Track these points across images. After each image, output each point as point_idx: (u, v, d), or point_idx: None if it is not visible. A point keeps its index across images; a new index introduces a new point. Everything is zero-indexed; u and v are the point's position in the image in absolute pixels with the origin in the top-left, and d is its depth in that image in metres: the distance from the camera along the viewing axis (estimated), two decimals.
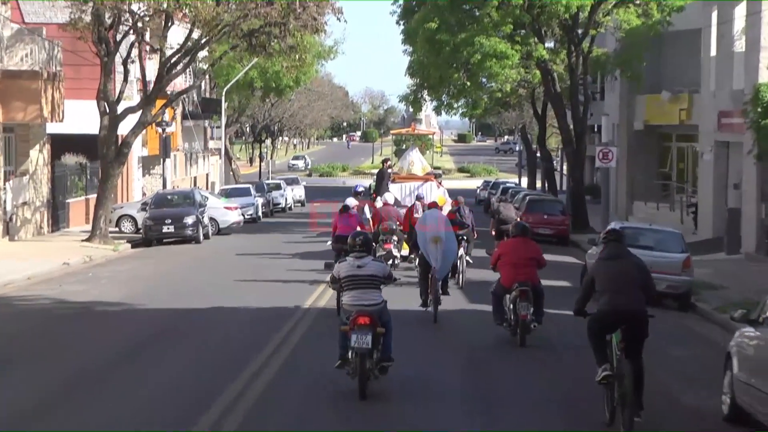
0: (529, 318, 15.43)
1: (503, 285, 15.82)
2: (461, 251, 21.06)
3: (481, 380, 13.49)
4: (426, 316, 17.85)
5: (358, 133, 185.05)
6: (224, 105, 54.96)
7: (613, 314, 10.88)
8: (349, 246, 12.38)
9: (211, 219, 36.67)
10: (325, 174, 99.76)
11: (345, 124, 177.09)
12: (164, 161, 41.70)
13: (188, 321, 17.85)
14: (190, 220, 33.32)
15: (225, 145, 59.97)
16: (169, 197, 35.73)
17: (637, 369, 10.64)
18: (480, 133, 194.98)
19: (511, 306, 15.61)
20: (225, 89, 54.34)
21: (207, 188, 59.02)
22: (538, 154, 60.54)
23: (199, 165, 60.19)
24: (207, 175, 62.60)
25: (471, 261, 23.09)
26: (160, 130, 41.95)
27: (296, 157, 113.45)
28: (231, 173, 63.25)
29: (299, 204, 59.86)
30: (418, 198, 24.50)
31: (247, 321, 17.65)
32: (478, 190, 65.97)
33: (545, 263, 15.90)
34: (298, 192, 60.22)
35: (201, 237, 33.78)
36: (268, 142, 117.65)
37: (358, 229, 18.69)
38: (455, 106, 44.30)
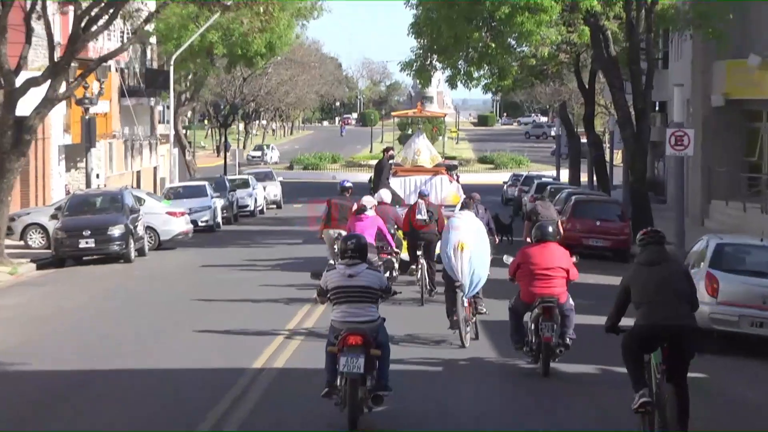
0: (554, 341, 15.77)
1: (523, 300, 16.17)
2: None
3: (494, 414, 14.03)
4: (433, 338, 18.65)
5: (354, 116, 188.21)
6: (173, 77, 53.88)
7: (653, 330, 11.36)
8: (340, 251, 12.98)
9: (149, 229, 35.62)
10: (311, 166, 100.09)
11: (338, 103, 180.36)
12: (88, 151, 39.13)
13: (89, 391, 15.28)
14: (116, 231, 31.90)
15: (176, 130, 58.97)
16: (90, 200, 34.27)
17: (682, 394, 11.09)
18: (505, 114, 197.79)
19: (533, 326, 15.97)
20: (174, 56, 52.47)
21: (156, 186, 57.76)
22: (583, 140, 59.56)
23: (143, 156, 59.28)
24: (155, 169, 61.97)
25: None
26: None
27: (258, 148, 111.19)
28: (186, 167, 62.37)
29: (274, 206, 59.35)
30: (422, 195, 24.38)
31: (178, 390, 15.36)
32: (505, 186, 66.28)
33: (576, 275, 16.22)
34: (272, 190, 59.49)
35: (132, 254, 32.48)
36: (241, 126, 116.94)
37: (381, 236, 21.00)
38: (475, 76, 42.13)
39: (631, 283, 11.57)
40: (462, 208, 19.74)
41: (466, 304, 17.87)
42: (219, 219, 45.40)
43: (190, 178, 57.75)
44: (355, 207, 22.09)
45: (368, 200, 21.83)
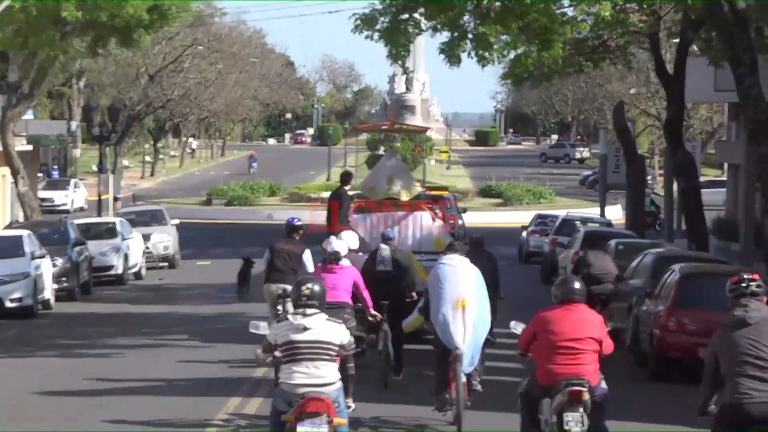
0: None
1: (540, 384, 16.27)
2: None
3: None
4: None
5: (311, 131, 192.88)
6: None
7: (738, 411, 12.28)
8: (293, 299, 14.47)
9: None
10: (239, 201, 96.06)
11: (288, 115, 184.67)
12: None
13: None
14: None
15: (5, 144, 52.58)
16: None
17: None
18: (511, 129, 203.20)
19: (554, 418, 16.04)
20: None
21: None
22: (652, 166, 52.00)
23: None
24: None
25: (494, 340, 25.52)
26: None
27: (51, 182, 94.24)
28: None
29: (165, 264, 54.30)
30: (385, 238, 25.86)
31: None
32: (525, 233, 60.48)
33: (611, 347, 16.31)
34: (161, 240, 54.30)
35: None
36: (149, 145, 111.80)
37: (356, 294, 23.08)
38: (491, 42, 35.35)
39: (719, 349, 12.43)
40: (450, 252, 21.13)
41: (464, 380, 19.54)
42: (48, 294, 39.59)
43: (26, 219, 51.47)
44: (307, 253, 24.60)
45: (339, 245, 23.26)
